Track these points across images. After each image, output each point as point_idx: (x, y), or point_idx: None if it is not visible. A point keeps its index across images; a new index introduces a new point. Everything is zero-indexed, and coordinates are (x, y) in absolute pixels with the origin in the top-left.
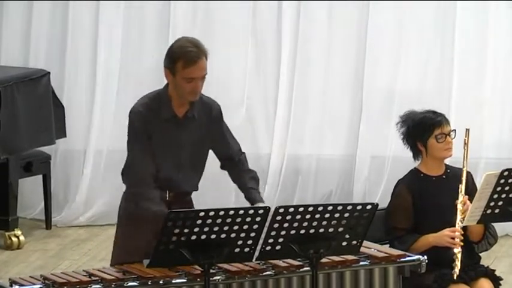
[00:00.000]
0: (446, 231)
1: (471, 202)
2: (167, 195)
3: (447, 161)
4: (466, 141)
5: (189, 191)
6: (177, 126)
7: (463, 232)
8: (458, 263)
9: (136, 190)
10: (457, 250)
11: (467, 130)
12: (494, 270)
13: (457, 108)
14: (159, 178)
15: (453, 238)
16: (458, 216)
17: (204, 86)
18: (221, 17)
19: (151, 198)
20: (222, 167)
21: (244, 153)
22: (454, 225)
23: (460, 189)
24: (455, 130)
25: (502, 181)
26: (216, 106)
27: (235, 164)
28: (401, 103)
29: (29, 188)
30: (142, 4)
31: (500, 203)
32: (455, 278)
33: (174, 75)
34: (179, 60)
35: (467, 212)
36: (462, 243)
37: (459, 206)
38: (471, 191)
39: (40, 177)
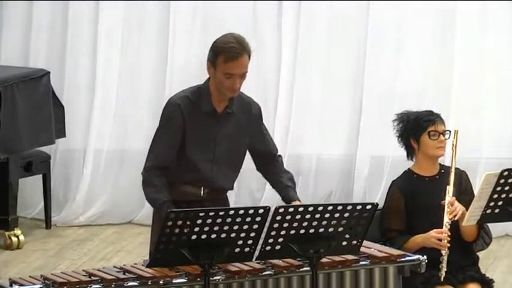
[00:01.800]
0: (433, 233)
1: (461, 202)
2: (202, 192)
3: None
4: (455, 143)
5: (224, 188)
6: (215, 121)
7: (449, 233)
8: (444, 265)
9: (145, 175)
10: (444, 251)
11: (456, 131)
12: (484, 275)
13: (457, 108)
14: (192, 172)
15: (440, 239)
16: (445, 218)
17: None
18: (221, 17)
19: (155, 184)
20: (258, 168)
21: (281, 156)
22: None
23: (447, 191)
24: (449, 131)
25: (502, 181)
26: (256, 105)
27: (273, 163)
28: (401, 103)
29: (29, 187)
30: (142, 4)
31: (500, 203)
32: (441, 279)
33: (215, 69)
34: (221, 54)
35: (468, 211)
36: (449, 244)
37: (446, 208)
38: (465, 190)
39: (40, 176)
